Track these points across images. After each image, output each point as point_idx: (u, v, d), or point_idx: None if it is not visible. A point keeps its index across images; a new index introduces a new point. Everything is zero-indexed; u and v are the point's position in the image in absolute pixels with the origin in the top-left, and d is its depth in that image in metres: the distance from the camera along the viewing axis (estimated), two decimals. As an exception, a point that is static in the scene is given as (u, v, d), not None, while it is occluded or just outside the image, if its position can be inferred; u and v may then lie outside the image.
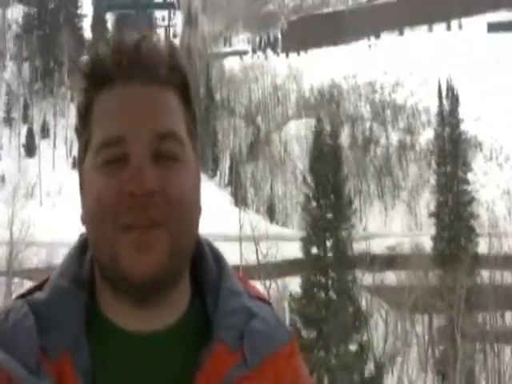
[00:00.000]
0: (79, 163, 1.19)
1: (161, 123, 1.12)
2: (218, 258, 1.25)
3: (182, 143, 1.14)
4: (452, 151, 57.53)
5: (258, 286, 40.94)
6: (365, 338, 37.86)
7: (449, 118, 59.36)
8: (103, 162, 1.11)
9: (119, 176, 1.10)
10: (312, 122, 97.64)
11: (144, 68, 1.13)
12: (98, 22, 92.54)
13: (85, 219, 1.15)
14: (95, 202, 1.11)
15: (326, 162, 37.64)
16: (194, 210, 1.15)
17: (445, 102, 60.06)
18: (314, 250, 36.38)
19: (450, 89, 60.74)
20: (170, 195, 1.10)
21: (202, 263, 1.23)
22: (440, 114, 60.31)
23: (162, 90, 1.14)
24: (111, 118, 1.13)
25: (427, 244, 53.65)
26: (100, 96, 1.14)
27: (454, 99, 59.76)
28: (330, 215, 36.76)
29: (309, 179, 38.51)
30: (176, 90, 1.16)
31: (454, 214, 54.18)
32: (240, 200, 72.06)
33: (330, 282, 35.86)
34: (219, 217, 57.09)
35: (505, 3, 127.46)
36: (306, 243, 36.83)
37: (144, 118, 1.12)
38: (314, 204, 37.21)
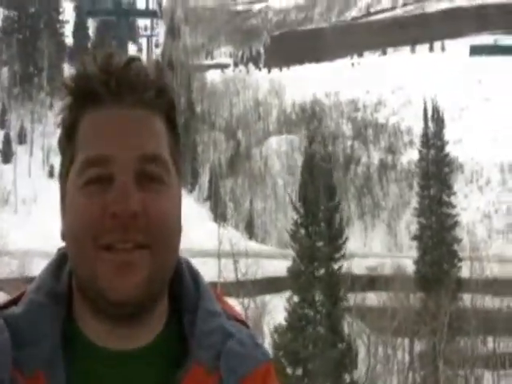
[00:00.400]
0: (61, 178, 1.19)
1: (146, 146, 1.13)
2: (195, 277, 1.27)
3: (166, 166, 1.15)
4: (436, 174, 56.93)
5: (236, 303, 39.84)
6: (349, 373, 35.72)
7: (434, 139, 58.77)
8: (87, 180, 1.12)
9: (102, 196, 1.11)
10: (293, 138, 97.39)
11: (132, 90, 1.15)
12: (80, 29, 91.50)
13: (65, 236, 1.16)
14: (77, 221, 1.12)
15: (317, 186, 35.26)
16: (176, 233, 1.16)
17: (430, 123, 59.45)
18: (302, 282, 33.93)
19: (436, 110, 60.15)
20: (153, 218, 1.11)
21: (180, 282, 1.24)
22: (425, 135, 59.68)
23: (148, 113, 1.16)
24: (97, 138, 1.14)
25: (409, 266, 52.99)
26: (86, 115, 1.16)
27: (439, 121, 59.19)
28: (320, 244, 34.84)
29: (298, 204, 35.82)
30: (162, 113, 1.18)
31: (437, 237, 53.57)
32: (219, 215, 71.05)
33: (318, 316, 33.41)
34: (197, 232, 56.26)
35: (488, 27, 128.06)
36: (294, 274, 34.27)
37: (130, 141, 1.13)
38: (303, 231, 34.56)
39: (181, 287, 1.24)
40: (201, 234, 57.85)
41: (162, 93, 1.17)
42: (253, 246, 65.67)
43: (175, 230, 1.15)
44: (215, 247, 54.38)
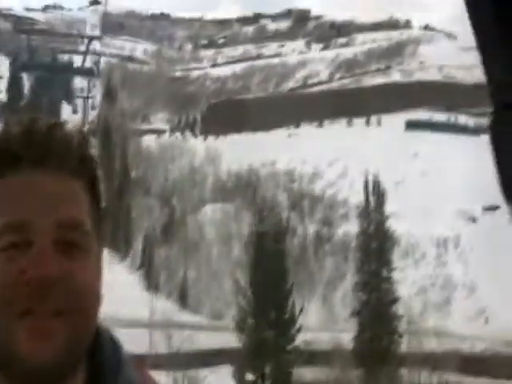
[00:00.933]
0: None
1: (66, 213, 1.13)
2: (116, 348, 1.24)
3: (85, 233, 1.15)
4: (375, 248, 56.35)
5: (167, 377, 37.66)
6: None
7: (374, 214, 58.30)
8: (4, 246, 1.11)
9: (20, 262, 1.10)
10: (228, 206, 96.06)
11: (54, 157, 1.14)
12: (14, 84, 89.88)
13: None
14: None
15: (268, 271, 32.55)
16: (95, 299, 1.15)
17: (370, 197, 59.10)
18: (250, 377, 31.24)
19: (376, 185, 59.86)
20: (72, 284, 1.10)
21: (101, 352, 1.22)
22: (365, 209, 59.25)
23: (70, 180, 1.15)
24: (17, 203, 1.12)
25: (346, 341, 51.94)
26: (6, 177, 1.15)
27: (380, 195, 58.83)
28: (270, 334, 32.14)
29: (248, 291, 32.88)
30: (84, 181, 1.18)
31: (377, 313, 52.82)
32: (152, 284, 69.10)
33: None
34: (129, 301, 54.41)
35: (423, 103, 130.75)
36: (240, 368, 31.74)
37: (50, 207, 1.12)
38: (252, 321, 32.12)
39: (101, 357, 1.20)
40: (132, 304, 55.91)
41: (84, 161, 1.17)
42: (186, 317, 63.83)
43: (94, 298, 1.14)
44: (147, 317, 52.63)
